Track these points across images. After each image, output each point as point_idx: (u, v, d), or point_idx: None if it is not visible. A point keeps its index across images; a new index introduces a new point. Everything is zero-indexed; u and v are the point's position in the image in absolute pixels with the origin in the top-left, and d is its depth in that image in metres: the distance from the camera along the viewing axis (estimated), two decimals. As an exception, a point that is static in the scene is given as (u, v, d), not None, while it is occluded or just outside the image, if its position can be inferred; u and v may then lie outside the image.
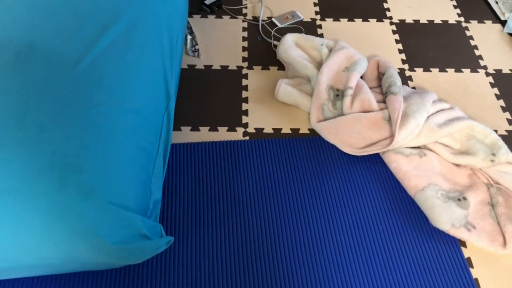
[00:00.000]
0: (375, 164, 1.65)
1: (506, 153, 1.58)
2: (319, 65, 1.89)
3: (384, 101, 1.74)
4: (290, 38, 1.96)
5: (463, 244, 1.47)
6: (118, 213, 1.15)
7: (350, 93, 1.73)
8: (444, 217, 1.47)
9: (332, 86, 1.79)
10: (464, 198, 1.52)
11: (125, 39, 1.41)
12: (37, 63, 1.28)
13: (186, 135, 1.71)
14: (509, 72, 2.02)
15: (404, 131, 1.59)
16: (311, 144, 1.71)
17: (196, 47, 2.01)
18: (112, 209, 1.14)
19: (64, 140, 1.15)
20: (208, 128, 1.74)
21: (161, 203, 1.50)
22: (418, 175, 1.57)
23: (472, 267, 1.42)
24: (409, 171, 1.58)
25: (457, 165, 1.64)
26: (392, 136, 1.63)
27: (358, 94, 1.72)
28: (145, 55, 1.44)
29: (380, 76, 1.88)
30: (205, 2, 2.21)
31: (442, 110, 1.71)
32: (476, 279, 1.40)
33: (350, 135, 1.66)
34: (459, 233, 1.45)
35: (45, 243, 1.10)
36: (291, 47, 1.93)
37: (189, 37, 2.02)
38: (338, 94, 1.77)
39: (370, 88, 1.81)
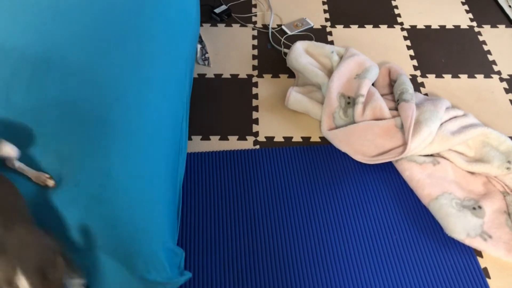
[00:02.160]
0: (388, 173, 1.63)
1: None
2: (329, 72, 1.88)
3: (396, 109, 1.72)
4: (300, 46, 1.95)
5: (479, 254, 1.44)
6: (142, 243, 1.10)
7: (362, 101, 1.71)
8: (459, 226, 1.44)
9: (343, 93, 1.77)
10: (480, 207, 1.49)
11: (142, 52, 1.39)
12: (53, 78, 1.25)
13: (197, 145, 1.71)
14: (524, 77, 1.99)
15: (417, 139, 1.57)
16: (323, 152, 1.69)
17: (206, 55, 2.01)
18: (136, 239, 1.09)
19: (86, 171, 1.11)
20: (218, 137, 1.73)
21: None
22: (431, 184, 1.54)
23: (489, 277, 1.39)
24: (422, 179, 1.55)
25: (472, 173, 1.61)
26: (404, 144, 1.60)
27: (369, 102, 1.70)
28: (163, 67, 1.42)
29: (392, 83, 1.86)
30: (215, 10, 2.21)
31: (455, 117, 1.68)
32: (493, 290, 1.37)
33: (362, 143, 1.64)
34: (474, 242, 1.42)
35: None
36: (301, 54, 1.91)
37: (199, 46, 2.02)
38: (349, 101, 1.75)
39: (382, 95, 1.79)
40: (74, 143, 1.13)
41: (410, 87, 1.75)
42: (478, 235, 1.43)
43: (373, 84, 1.86)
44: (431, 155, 1.64)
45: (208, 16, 2.22)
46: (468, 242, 1.43)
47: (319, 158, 1.68)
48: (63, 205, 1.07)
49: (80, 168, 1.10)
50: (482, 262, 1.42)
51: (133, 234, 1.09)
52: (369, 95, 1.74)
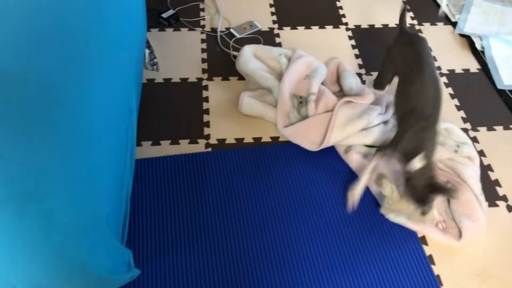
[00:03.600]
0: (337, 167, 1.67)
1: (469, 148, 1.65)
2: (279, 75, 1.91)
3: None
4: (248, 50, 1.97)
5: (425, 242, 1.51)
6: (80, 240, 1.12)
7: (313, 99, 1.75)
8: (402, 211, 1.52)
9: (295, 94, 1.81)
10: None
11: (83, 57, 1.38)
12: None
13: (148, 150, 1.70)
14: (462, 72, 2.09)
15: (341, 133, 1.66)
16: (274, 152, 1.72)
17: (155, 60, 2.00)
18: (74, 235, 1.11)
19: (23, 167, 1.11)
20: (169, 141, 1.73)
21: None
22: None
23: (434, 264, 1.46)
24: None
25: None
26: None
27: (321, 98, 1.75)
28: (103, 71, 1.42)
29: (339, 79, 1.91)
30: (163, 15, 2.21)
31: None
32: (438, 276, 1.43)
33: (317, 134, 1.69)
34: (414, 226, 1.51)
35: (8, 273, 1.07)
36: (250, 59, 1.94)
37: (147, 51, 2.01)
38: (301, 101, 1.79)
39: (333, 93, 1.84)
40: (9, 142, 1.13)
41: (354, 84, 1.81)
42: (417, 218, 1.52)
43: (322, 83, 1.90)
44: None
45: (156, 21, 2.21)
46: (408, 225, 1.51)
47: (270, 158, 1.70)
48: None
49: (15, 165, 1.10)
50: (427, 250, 1.49)
51: (71, 229, 1.10)
52: (319, 93, 1.79)
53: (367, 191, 1.61)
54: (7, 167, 1.09)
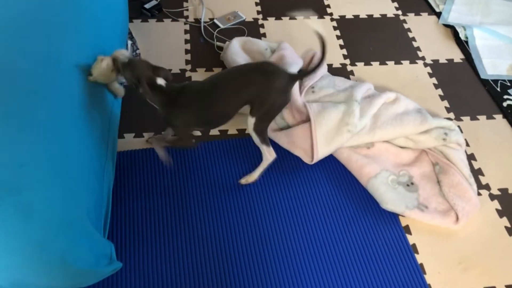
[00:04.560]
0: (325, 158, 1.67)
1: (457, 134, 1.66)
2: None
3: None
4: (236, 43, 1.95)
5: (408, 231, 1.51)
6: (59, 233, 1.10)
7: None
8: (398, 200, 1.52)
9: None
10: (412, 183, 1.59)
11: (61, 47, 1.36)
12: None
13: (130, 142, 1.68)
14: (446, 62, 2.10)
15: (328, 148, 1.62)
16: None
17: (137, 51, 1.97)
18: (53, 228, 1.09)
19: (0, 159, 1.08)
20: (152, 133, 1.71)
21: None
22: (369, 162, 1.61)
23: (417, 253, 1.46)
24: (360, 159, 1.62)
25: (404, 148, 1.70)
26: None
27: (293, 103, 1.70)
28: (83, 62, 1.39)
29: None
30: (145, 6, 2.17)
31: (387, 103, 1.74)
32: (421, 264, 1.44)
33: (304, 143, 1.65)
34: (413, 214, 1.51)
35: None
36: (238, 52, 1.91)
37: (129, 42, 1.98)
38: None
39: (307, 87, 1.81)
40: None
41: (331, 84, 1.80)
42: (415, 207, 1.53)
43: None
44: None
45: (138, 11, 2.18)
46: (407, 214, 1.52)
47: (254, 149, 1.69)
48: None
49: None
50: (411, 239, 1.49)
51: (51, 223, 1.08)
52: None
53: (353, 184, 1.61)
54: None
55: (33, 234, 1.06)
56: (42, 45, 1.31)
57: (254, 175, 1.56)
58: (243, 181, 1.57)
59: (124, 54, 1.41)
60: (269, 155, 1.52)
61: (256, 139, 1.47)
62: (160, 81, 1.38)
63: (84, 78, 1.37)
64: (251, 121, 1.42)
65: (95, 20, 1.51)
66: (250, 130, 1.46)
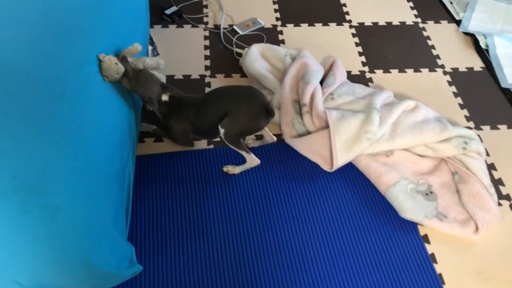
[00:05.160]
0: (343, 165, 1.66)
1: (477, 144, 1.65)
2: (282, 74, 1.89)
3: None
4: (255, 50, 1.97)
5: (427, 240, 1.50)
6: (83, 235, 1.12)
7: (307, 110, 1.73)
8: (417, 209, 1.52)
9: (296, 99, 1.79)
10: (431, 192, 1.58)
11: (86, 53, 1.38)
12: None
13: (150, 147, 1.70)
14: (465, 70, 2.08)
15: (347, 156, 1.62)
16: (276, 149, 1.72)
17: (158, 56, 1.99)
18: (77, 230, 1.11)
19: (26, 162, 1.10)
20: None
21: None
22: (388, 170, 1.60)
23: (436, 262, 1.45)
24: (379, 167, 1.61)
25: (423, 156, 1.69)
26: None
27: (313, 111, 1.72)
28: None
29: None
30: (166, 12, 2.20)
31: (407, 111, 1.73)
32: (440, 274, 1.43)
33: (323, 150, 1.66)
34: (431, 223, 1.50)
35: (10, 268, 1.08)
36: (256, 59, 1.93)
37: (150, 47, 2.01)
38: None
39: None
40: (13, 138, 1.13)
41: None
42: (434, 216, 1.52)
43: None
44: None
45: (159, 17, 2.21)
46: (426, 223, 1.51)
47: (272, 155, 1.70)
48: (1, 194, 1.06)
49: (17, 161, 1.10)
50: (430, 248, 1.48)
51: (75, 224, 1.10)
52: (311, 101, 1.75)
53: (371, 192, 1.61)
54: (10, 162, 1.09)
55: (58, 235, 1.09)
56: (66, 50, 1.33)
57: (236, 170, 1.63)
58: (225, 169, 1.64)
59: (131, 51, 1.52)
60: (250, 160, 1.58)
61: (230, 146, 1.55)
62: (165, 97, 1.56)
63: (105, 83, 1.39)
64: (221, 131, 1.51)
65: (117, 25, 1.54)
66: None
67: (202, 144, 1.72)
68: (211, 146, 1.71)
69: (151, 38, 2.06)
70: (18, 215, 1.06)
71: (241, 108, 1.49)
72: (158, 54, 2.00)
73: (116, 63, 1.41)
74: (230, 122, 1.49)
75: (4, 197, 1.06)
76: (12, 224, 1.05)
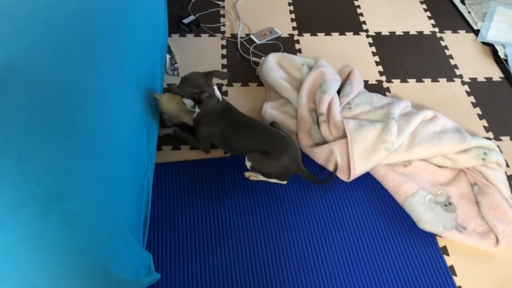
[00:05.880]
0: (361, 175, 1.66)
1: (496, 154, 1.63)
2: (299, 84, 1.90)
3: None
4: (272, 59, 1.97)
5: (446, 252, 1.48)
6: (102, 242, 1.13)
7: (324, 119, 1.73)
8: (436, 220, 1.50)
9: (313, 108, 1.79)
10: (450, 203, 1.56)
11: (105, 60, 1.40)
12: (19, 84, 1.25)
13: (168, 155, 1.71)
14: (484, 80, 2.07)
15: (364, 165, 1.62)
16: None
17: (176, 65, 2.02)
18: (96, 237, 1.12)
19: (47, 169, 1.12)
20: (189, 146, 1.74)
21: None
22: (406, 181, 1.59)
23: (455, 275, 1.43)
24: (397, 177, 1.60)
25: (441, 167, 1.68)
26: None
27: (331, 119, 1.72)
28: (126, 75, 1.43)
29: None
30: (184, 21, 2.23)
31: (425, 121, 1.72)
32: (459, 287, 1.41)
33: (342, 159, 1.64)
34: (450, 235, 1.48)
35: (30, 274, 1.09)
36: (273, 68, 1.94)
37: (168, 56, 2.03)
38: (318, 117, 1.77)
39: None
40: (35, 145, 1.14)
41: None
42: (453, 227, 1.50)
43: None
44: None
45: (177, 26, 2.23)
46: (444, 235, 1.49)
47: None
48: (23, 201, 1.08)
49: (40, 167, 1.11)
50: (449, 260, 1.47)
51: (94, 231, 1.11)
52: (328, 110, 1.75)
53: (389, 202, 1.60)
54: (31, 168, 1.11)
55: (77, 241, 1.10)
56: (88, 59, 1.35)
57: (259, 178, 1.64)
58: (247, 174, 1.65)
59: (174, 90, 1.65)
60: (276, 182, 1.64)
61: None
62: (218, 93, 1.64)
63: (126, 91, 1.41)
64: (248, 164, 1.56)
65: (136, 34, 1.56)
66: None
67: (219, 153, 1.72)
68: (228, 155, 1.72)
69: (169, 47, 2.08)
70: (39, 222, 1.07)
71: (282, 160, 1.52)
72: (176, 62, 2.02)
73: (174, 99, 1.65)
74: (263, 161, 1.53)
75: (26, 203, 1.07)
76: (32, 230, 1.07)
